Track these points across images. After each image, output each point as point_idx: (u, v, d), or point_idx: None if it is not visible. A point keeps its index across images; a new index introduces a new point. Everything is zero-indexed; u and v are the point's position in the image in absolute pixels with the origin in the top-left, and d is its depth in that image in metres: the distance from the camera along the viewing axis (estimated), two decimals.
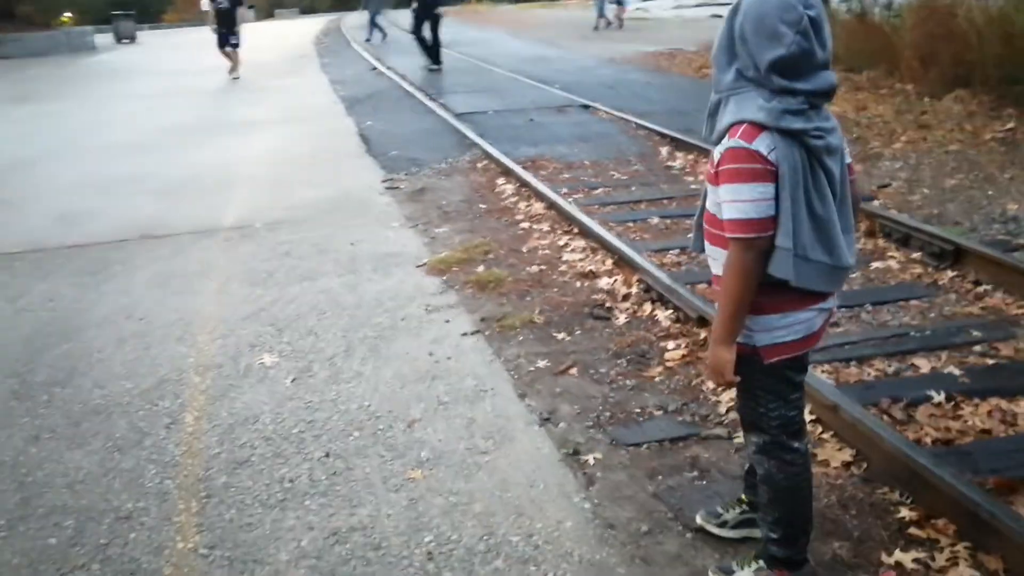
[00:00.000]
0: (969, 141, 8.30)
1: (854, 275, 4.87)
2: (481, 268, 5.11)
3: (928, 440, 3.12)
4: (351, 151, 8.85)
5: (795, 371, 2.26)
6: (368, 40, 24.59)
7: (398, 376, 3.83)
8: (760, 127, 2.00)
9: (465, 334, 4.25)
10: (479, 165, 7.68)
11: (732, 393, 3.47)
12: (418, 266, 5.24)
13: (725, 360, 2.16)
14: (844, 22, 13.98)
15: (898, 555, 2.48)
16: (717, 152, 2.09)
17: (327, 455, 3.24)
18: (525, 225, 5.95)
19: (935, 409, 3.35)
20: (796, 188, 2.01)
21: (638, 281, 4.65)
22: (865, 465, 2.94)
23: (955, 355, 3.82)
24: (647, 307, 4.39)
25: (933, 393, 3.42)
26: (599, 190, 6.97)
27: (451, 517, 2.82)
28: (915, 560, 2.46)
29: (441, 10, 15.71)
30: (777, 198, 2.01)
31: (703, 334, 3.98)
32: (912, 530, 2.59)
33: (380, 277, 5.07)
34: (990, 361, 3.75)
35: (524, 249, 5.48)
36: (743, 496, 2.64)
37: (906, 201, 6.44)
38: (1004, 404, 3.38)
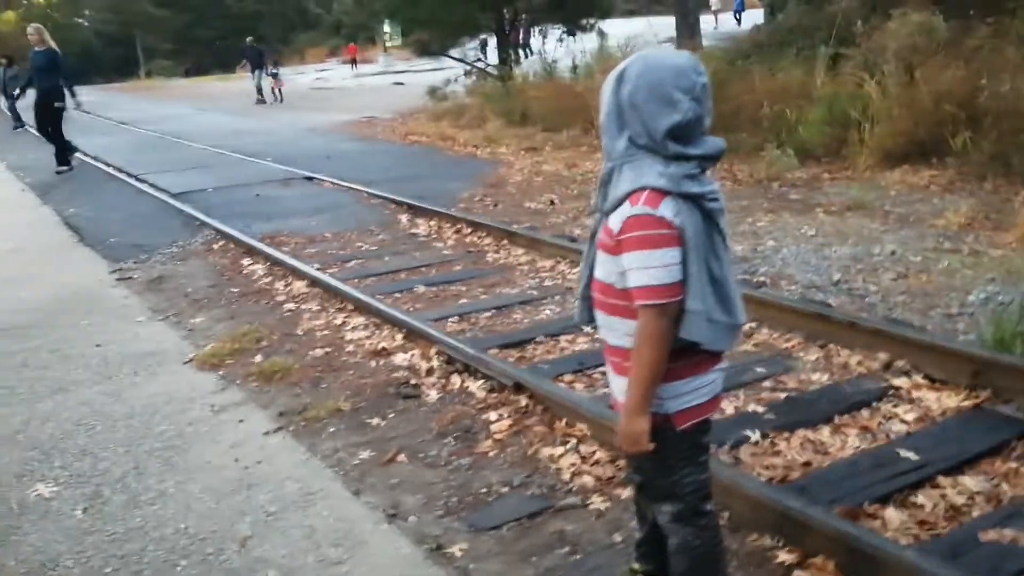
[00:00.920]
0: None
1: None
2: (259, 358, 4.72)
3: (763, 480, 3.27)
4: (62, 243, 7.91)
5: (703, 434, 2.26)
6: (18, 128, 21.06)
7: (208, 490, 3.40)
8: (662, 193, 2.00)
9: (268, 433, 3.88)
10: (215, 246, 7.18)
11: (571, 459, 3.47)
12: (185, 363, 4.75)
13: (641, 430, 2.11)
14: (537, 85, 14.92)
15: None
16: (617, 220, 2.05)
17: None
18: (291, 306, 5.61)
19: (755, 448, 3.53)
20: (699, 251, 2.03)
21: (437, 354, 4.52)
22: (728, 514, 3.01)
23: (751, 393, 4.05)
24: (455, 380, 4.27)
25: (749, 433, 3.59)
26: (352, 262, 6.76)
27: None
28: None
29: (65, 103, 12.48)
30: (684, 262, 2.01)
31: (523, 401, 3.93)
32: (796, 573, 2.67)
33: (145, 380, 4.52)
34: (782, 395, 4.02)
35: (299, 332, 5.15)
36: (638, 565, 2.58)
37: None
38: (811, 434, 3.63)
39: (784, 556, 2.74)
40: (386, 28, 34.06)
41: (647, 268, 2.00)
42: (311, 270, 6.02)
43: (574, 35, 17.57)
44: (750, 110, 10.72)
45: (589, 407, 3.69)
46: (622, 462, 3.37)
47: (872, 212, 7.51)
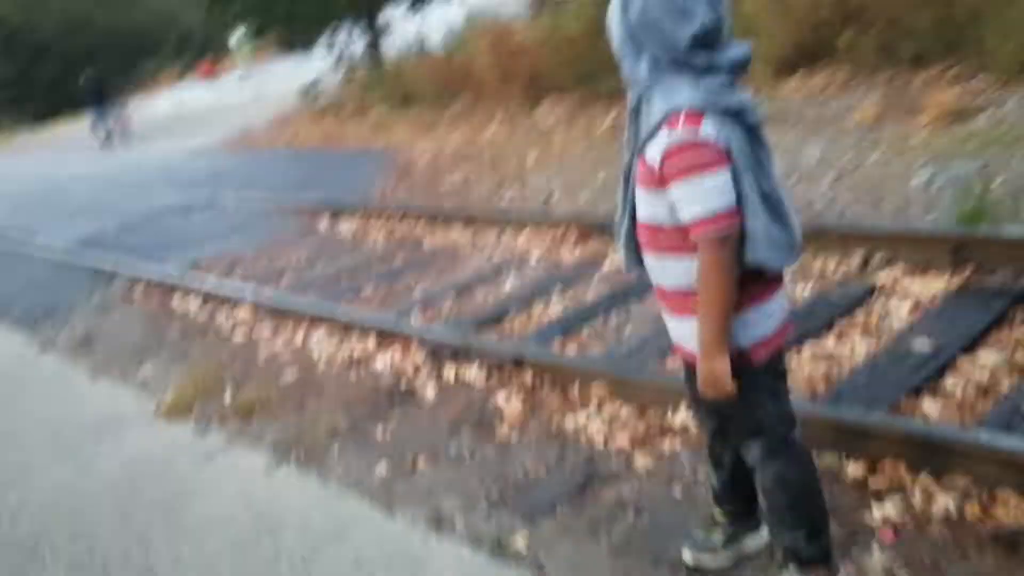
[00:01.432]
0: (589, 139, 9.02)
1: (601, 280, 5.01)
2: (229, 396, 4.44)
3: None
4: None
5: (779, 361, 2.18)
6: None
7: (228, 544, 3.14)
8: (700, 112, 1.88)
9: (270, 470, 3.63)
10: (136, 291, 6.75)
11: (597, 424, 3.36)
12: (149, 417, 4.41)
13: (722, 371, 2.01)
14: (413, 65, 14.63)
15: (880, 512, 2.50)
16: (656, 151, 1.92)
17: None
18: (241, 335, 5.30)
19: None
20: (748, 168, 1.93)
21: (419, 347, 4.34)
22: None
23: None
24: (448, 371, 4.10)
25: None
26: (287, 276, 6.46)
27: None
28: (897, 509, 2.49)
29: None
30: (735, 182, 1.90)
31: (527, 376, 3.79)
32: (871, 482, 2.63)
33: (112, 445, 4.19)
34: None
35: (261, 360, 4.87)
36: (718, 512, 2.50)
37: (581, 205, 6.79)
38: (818, 346, 3.63)
39: (853, 469, 2.70)
40: (235, 38, 32.95)
41: (699, 195, 1.89)
42: (250, 294, 5.71)
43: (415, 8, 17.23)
44: None
45: (601, 367, 3.59)
46: (653, 416, 3.29)
47: (784, 123, 7.58)
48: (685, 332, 2.10)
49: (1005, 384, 3.03)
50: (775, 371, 2.16)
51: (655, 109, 1.93)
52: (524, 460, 3.27)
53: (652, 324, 4.16)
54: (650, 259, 2.10)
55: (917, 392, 3.08)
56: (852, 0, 8.95)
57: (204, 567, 3.06)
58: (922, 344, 3.37)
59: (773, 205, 1.99)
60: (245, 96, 25.35)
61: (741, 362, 2.04)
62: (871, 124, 6.91)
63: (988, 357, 3.20)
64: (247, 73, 31.07)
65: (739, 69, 1.95)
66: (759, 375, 2.10)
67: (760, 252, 1.94)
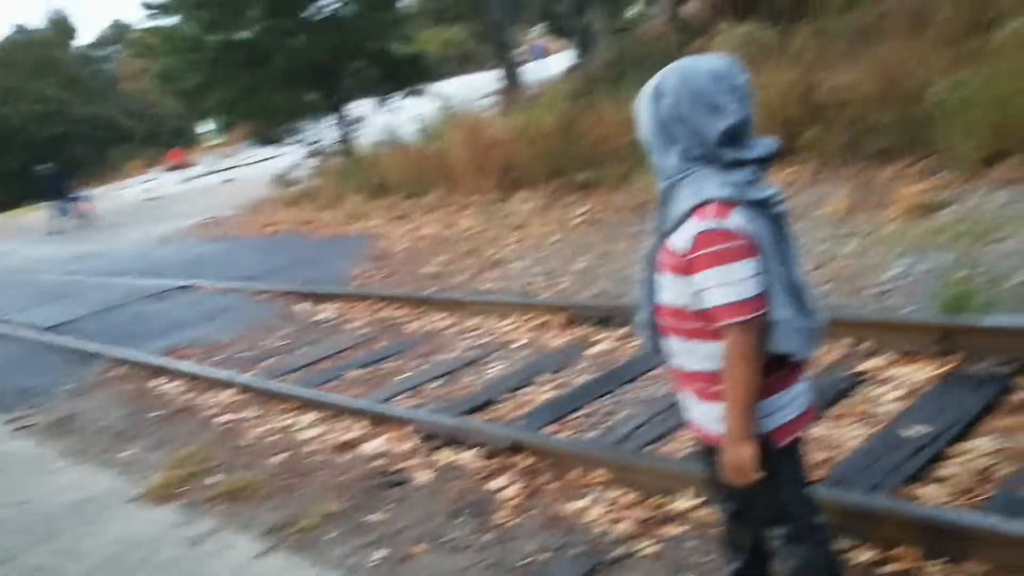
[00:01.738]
0: (563, 230, 9.16)
1: (589, 364, 5.03)
2: (216, 478, 4.36)
3: None
4: None
5: (800, 446, 2.21)
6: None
7: None
8: (729, 203, 1.95)
9: (261, 554, 3.56)
10: (113, 374, 6.65)
11: (600, 509, 3.34)
12: (133, 500, 4.32)
13: (748, 456, 2.03)
14: (387, 154, 14.85)
15: None
16: (684, 239, 1.98)
17: None
18: (225, 419, 5.23)
19: None
20: (774, 258, 1.99)
21: (412, 433, 4.30)
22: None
23: None
24: (442, 455, 4.06)
25: None
26: (268, 361, 6.41)
27: None
28: None
29: None
30: (762, 272, 1.96)
31: (526, 460, 3.77)
32: (887, 569, 2.63)
33: (96, 528, 4.08)
34: None
35: (245, 443, 4.80)
36: None
37: (561, 291, 6.85)
38: (813, 432, 3.65)
39: (865, 554, 2.70)
40: (204, 128, 33.23)
41: (727, 284, 1.93)
42: (236, 376, 5.66)
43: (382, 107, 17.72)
44: (608, 143, 11.00)
45: (602, 452, 3.58)
46: (656, 500, 3.28)
47: None
48: (708, 415, 2.12)
49: (1004, 470, 3.07)
50: (797, 456, 2.18)
51: (683, 198, 2.00)
52: (526, 546, 3.23)
53: (643, 408, 4.19)
54: (674, 342, 2.14)
55: (914, 478, 3.11)
56: (818, 98, 9.31)
57: None
58: (916, 431, 3.42)
59: (798, 294, 2.05)
60: (210, 185, 25.48)
61: (765, 446, 2.06)
62: (843, 216, 7.11)
63: (985, 443, 3.24)
64: (212, 165, 31.31)
65: (765, 164, 2.03)
66: (782, 459, 2.12)
67: (786, 341, 1.99)
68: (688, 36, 14.13)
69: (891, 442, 3.39)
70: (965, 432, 3.36)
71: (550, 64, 28.67)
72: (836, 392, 3.94)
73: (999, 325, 3.87)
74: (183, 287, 9.86)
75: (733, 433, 2.02)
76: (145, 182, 34.92)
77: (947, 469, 3.15)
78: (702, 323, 2.02)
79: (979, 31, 8.41)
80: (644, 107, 2.06)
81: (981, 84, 7.51)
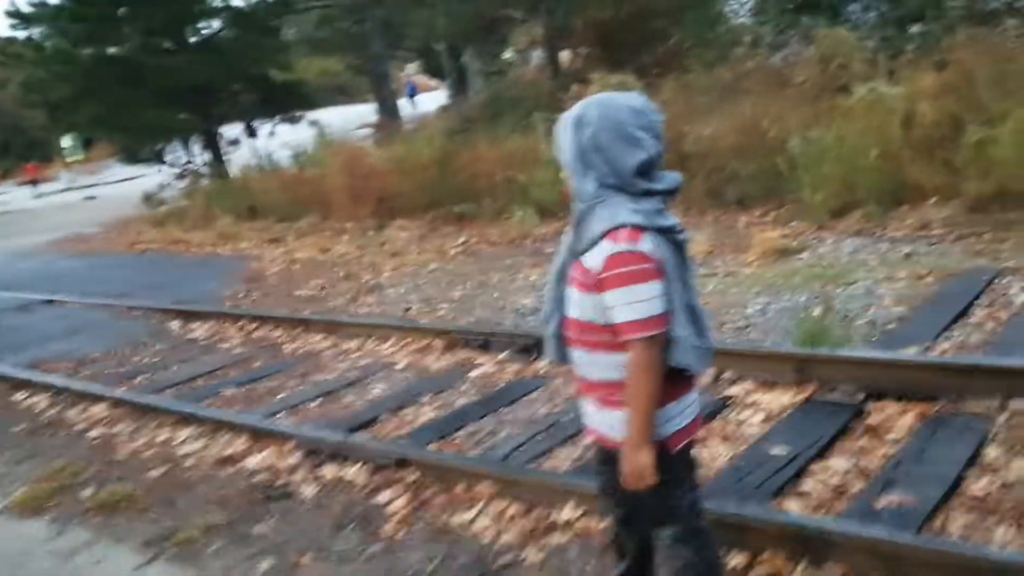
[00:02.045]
0: (441, 259, 9.30)
1: (469, 386, 5.15)
2: (89, 491, 4.24)
3: None
4: None
5: (690, 452, 2.40)
6: None
7: None
8: (640, 229, 2.13)
9: (139, 567, 3.50)
10: None
11: (485, 521, 3.45)
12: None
13: (647, 463, 2.19)
14: (261, 179, 14.69)
15: None
16: (596, 259, 2.14)
17: None
18: (98, 432, 5.07)
19: None
20: (676, 281, 2.18)
21: (294, 449, 4.31)
22: None
23: None
24: (327, 470, 4.09)
25: None
26: (140, 378, 6.25)
27: None
28: None
29: None
30: (665, 294, 2.15)
31: (410, 476, 3.86)
32: (754, 573, 2.85)
33: None
34: None
35: (119, 457, 4.67)
36: None
37: (440, 317, 6.97)
38: None
39: (737, 559, 2.92)
40: (66, 142, 31.67)
41: (634, 302, 2.10)
42: (110, 391, 5.49)
43: (253, 134, 17.58)
44: (485, 178, 11.28)
45: (487, 467, 3.70)
46: (538, 513, 3.42)
47: None
48: (609, 422, 2.28)
49: (856, 487, 3.36)
50: (688, 461, 2.37)
51: (598, 222, 2.15)
52: (412, 557, 3.30)
53: (524, 428, 4.34)
54: (579, 353, 2.29)
55: (780, 492, 3.37)
56: (684, 147, 9.84)
57: None
58: (778, 451, 3.70)
59: (695, 316, 2.25)
60: (70, 202, 24.36)
61: (660, 452, 2.23)
62: (705, 257, 7.53)
63: (839, 463, 3.55)
64: (71, 181, 29.98)
65: (671, 195, 2.24)
66: (674, 464, 2.29)
67: (684, 357, 2.18)
68: (562, 83, 14.64)
69: (757, 460, 3.66)
70: (822, 452, 3.66)
71: (422, 101, 28.96)
72: (705, 415, 4.20)
73: (850, 356, 4.24)
74: (47, 301, 9.44)
75: (634, 439, 2.18)
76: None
77: (807, 485, 3.43)
78: (608, 336, 2.18)
79: (832, 93, 9.12)
80: (565, 134, 2.21)
81: (832, 142, 8.17)
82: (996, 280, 5.41)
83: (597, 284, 2.15)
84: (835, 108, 8.70)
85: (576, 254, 2.22)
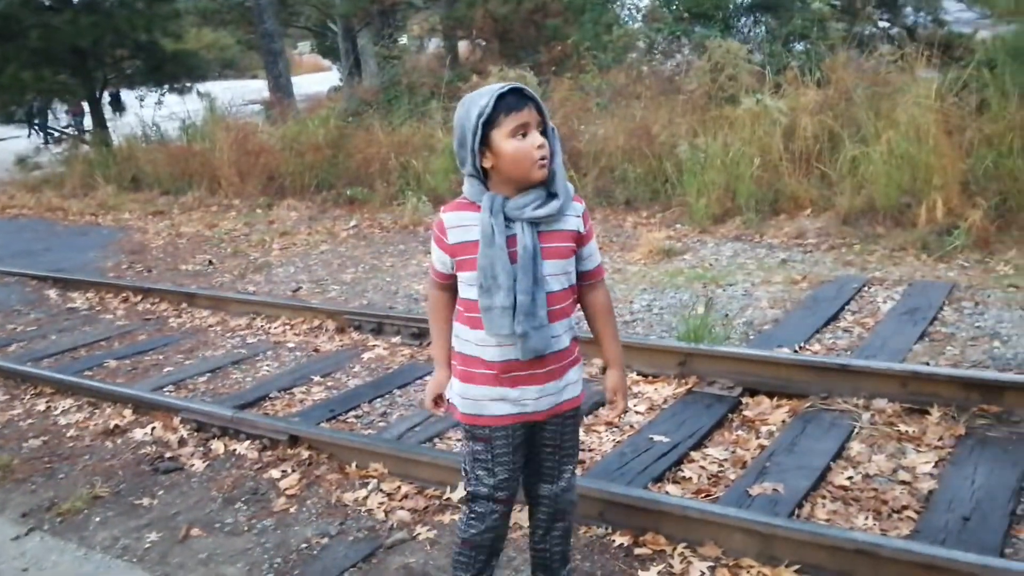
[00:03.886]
0: (332, 240, 9.24)
1: (361, 368, 5.18)
2: None
3: None
4: None
5: None
6: None
7: None
8: None
9: (18, 537, 3.40)
10: None
11: (378, 499, 3.52)
12: None
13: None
14: (147, 149, 14.19)
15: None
16: (577, 219, 2.26)
17: None
18: None
19: None
20: None
21: (183, 423, 4.26)
22: None
23: None
24: (217, 445, 4.07)
25: None
26: (13, 346, 6.02)
27: None
28: (659, 574, 2.87)
29: None
30: None
31: (304, 453, 3.88)
32: (636, 551, 3.01)
33: None
34: None
35: None
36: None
37: (331, 299, 6.95)
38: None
39: (619, 539, 3.08)
40: None
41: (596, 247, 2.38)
42: None
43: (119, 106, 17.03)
44: (378, 163, 11.23)
45: (381, 445, 3.76)
46: (432, 491, 3.51)
47: None
48: (575, 379, 2.38)
49: (732, 475, 3.58)
50: None
51: (563, 191, 2.21)
52: (305, 531, 3.34)
53: (416, 411, 4.41)
54: (559, 325, 2.28)
55: (659, 479, 3.56)
56: (573, 147, 10.04)
57: None
58: (660, 438, 3.90)
59: None
60: None
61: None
62: None
63: (716, 452, 3.76)
64: None
65: None
66: None
67: None
68: (460, 73, 14.71)
69: (640, 447, 3.84)
70: (701, 442, 3.87)
71: (310, 81, 28.40)
72: (590, 405, 4.37)
73: (728, 352, 4.49)
74: None
75: (622, 362, 2.46)
76: None
77: (687, 472, 3.63)
78: (571, 297, 2.32)
79: (720, 103, 9.51)
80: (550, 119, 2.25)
81: (717, 150, 8.52)
82: (865, 288, 5.80)
83: (579, 241, 2.28)
84: (723, 117, 9.07)
85: (552, 223, 2.22)
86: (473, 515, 2.40)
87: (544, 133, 2.17)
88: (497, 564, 2.52)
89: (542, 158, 2.14)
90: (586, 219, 2.30)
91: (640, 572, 2.89)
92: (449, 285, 2.36)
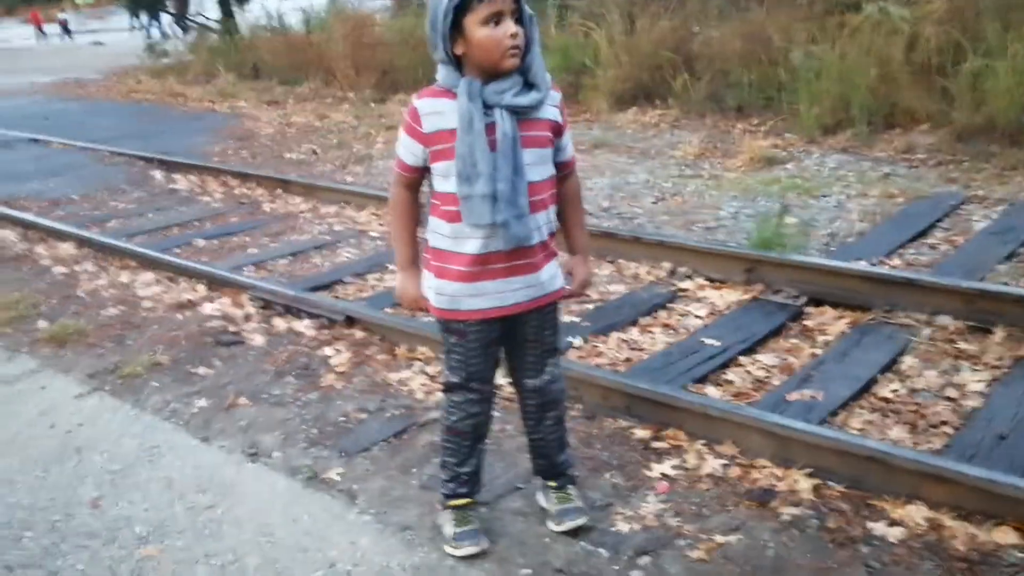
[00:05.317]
0: None
1: None
2: (43, 323, 4.36)
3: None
4: None
5: None
6: None
7: (29, 461, 3.15)
8: None
9: (80, 395, 3.64)
10: None
11: (421, 380, 3.59)
12: None
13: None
14: (269, 39, 14.45)
15: (659, 468, 2.85)
16: (554, 107, 2.22)
17: (9, 568, 2.58)
18: (61, 269, 5.18)
19: (580, 351, 3.83)
20: None
21: (251, 299, 4.42)
22: (580, 406, 3.27)
23: (562, 307, 4.34)
24: (278, 322, 4.21)
25: (571, 339, 3.90)
26: (113, 222, 6.34)
27: None
28: (673, 467, 2.85)
29: None
30: None
31: (358, 334, 3.98)
32: (655, 444, 2.99)
33: None
34: (590, 306, 4.34)
35: (81, 293, 4.79)
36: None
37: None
38: (623, 335, 4.00)
39: (640, 432, 3.05)
40: None
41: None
42: (77, 230, 5.58)
43: None
44: None
45: (428, 330, 3.81)
46: None
47: (617, 149, 8.12)
48: (550, 272, 2.32)
49: (776, 381, 3.48)
50: None
51: (541, 79, 2.14)
52: (346, 406, 3.44)
53: None
54: (540, 216, 2.24)
55: (702, 380, 3.49)
56: (689, 50, 9.69)
57: (3, 482, 3.03)
58: (712, 342, 3.81)
59: None
60: (75, 46, 24.01)
61: None
62: (694, 159, 7.52)
63: (766, 358, 3.66)
64: (79, 24, 29.48)
65: None
66: None
67: None
68: None
69: (690, 349, 3.76)
70: (752, 348, 3.76)
71: None
72: (652, 305, 4.29)
73: (796, 261, 4.31)
74: (32, 140, 9.45)
75: (588, 248, 2.46)
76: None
77: (731, 375, 3.55)
78: (552, 188, 2.27)
79: (843, 9, 8.92)
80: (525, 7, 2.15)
81: (833, 59, 8.04)
82: (962, 206, 5.44)
83: (556, 131, 2.24)
84: (843, 25, 8.52)
85: (531, 113, 2.17)
86: (451, 404, 2.44)
87: (520, 21, 2.08)
88: (484, 448, 2.55)
89: (514, 47, 2.06)
90: (562, 109, 2.24)
91: (654, 463, 2.87)
92: (414, 182, 2.30)
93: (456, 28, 2.06)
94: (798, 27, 8.95)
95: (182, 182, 7.45)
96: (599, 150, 8.11)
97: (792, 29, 8.94)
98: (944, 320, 3.70)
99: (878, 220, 5.32)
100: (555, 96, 2.21)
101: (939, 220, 5.18)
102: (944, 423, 2.99)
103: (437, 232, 2.26)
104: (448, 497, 2.55)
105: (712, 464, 2.83)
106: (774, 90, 8.77)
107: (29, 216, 5.93)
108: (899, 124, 7.62)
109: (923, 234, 4.98)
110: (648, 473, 2.84)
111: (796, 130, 8.05)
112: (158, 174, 7.77)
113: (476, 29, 2.05)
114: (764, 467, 2.78)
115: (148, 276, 4.93)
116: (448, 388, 2.45)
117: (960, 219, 5.22)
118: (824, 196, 5.98)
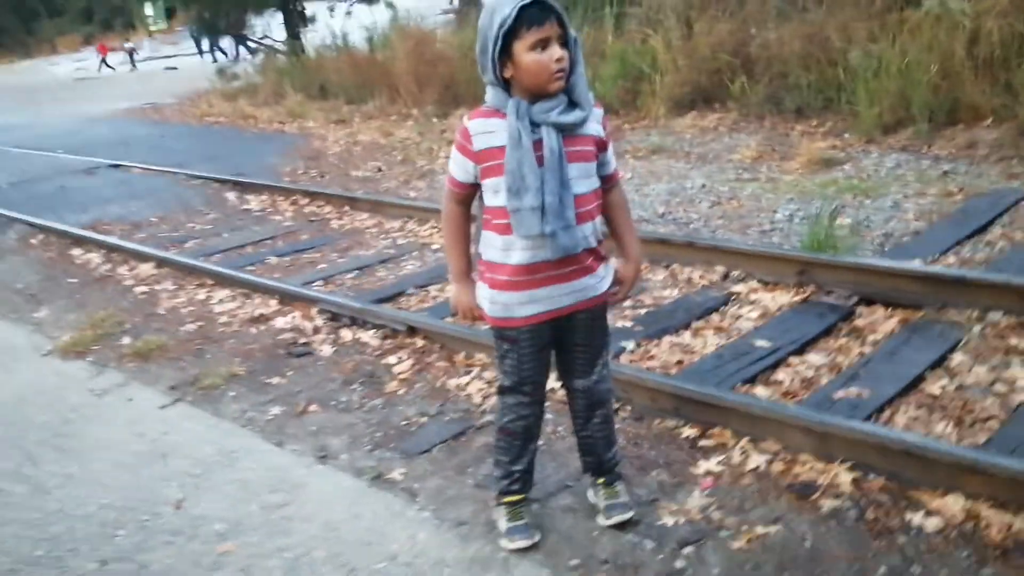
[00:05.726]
0: None
1: None
2: (127, 339, 4.66)
3: None
4: None
5: None
6: None
7: (119, 465, 3.39)
8: None
9: (164, 406, 3.89)
10: (33, 240, 6.83)
11: (478, 385, 3.76)
12: (44, 354, 4.59)
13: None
14: (333, 58, 14.87)
15: (704, 465, 2.96)
16: (598, 125, 2.35)
17: (104, 562, 2.82)
18: (143, 289, 5.51)
19: (632, 355, 3.95)
20: None
21: (320, 312, 4.66)
22: (629, 407, 3.40)
23: (616, 312, 4.43)
24: (345, 333, 4.43)
25: (624, 343, 4.02)
26: (191, 242, 6.67)
27: (300, 573, 2.68)
28: (718, 463, 2.96)
29: None
30: None
31: (419, 342, 4.17)
32: (701, 443, 3.11)
33: (4, 377, 4.35)
34: (642, 311, 4.46)
35: (161, 311, 5.09)
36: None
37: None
38: (675, 339, 4.11)
39: (688, 431, 3.17)
40: (148, 11, 32.27)
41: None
42: (158, 251, 5.92)
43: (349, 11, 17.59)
44: None
45: (486, 338, 3.96)
46: None
47: (675, 153, 8.21)
48: (599, 278, 2.46)
49: (824, 380, 3.55)
50: None
51: (584, 96, 2.28)
52: (408, 411, 3.63)
53: None
54: (588, 226, 2.38)
55: (752, 380, 3.58)
56: (747, 53, 9.71)
57: (93, 483, 3.28)
58: (763, 344, 3.89)
59: None
60: (150, 71, 24.92)
61: None
62: (751, 163, 7.56)
63: (815, 358, 3.73)
64: (153, 51, 30.50)
65: None
66: None
67: None
68: None
69: (740, 351, 3.86)
70: (803, 348, 3.84)
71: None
72: (705, 309, 4.39)
73: (847, 262, 4.36)
74: (114, 166, 9.94)
75: (640, 255, 2.59)
76: (79, 61, 33.80)
77: (781, 375, 3.63)
78: (597, 200, 2.41)
79: (899, 7, 8.84)
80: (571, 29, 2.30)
81: (892, 57, 7.98)
82: (1022, 202, 5.39)
83: (599, 145, 2.38)
84: (903, 22, 8.45)
85: (572, 132, 2.30)
86: (504, 406, 2.61)
87: (566, 44, 2.22)
88: (535, 448, 2.70)
89: (559, 71, 2.20)
90: (605, 125, 2.37)
91: (701, 460, 2.99)
92: (466, 197, 2.44)
93: (505, 53, 2.21)
94: (857, 26, 8.89)
95: (254, 202, 7.78)
96: (657, 156, 8.21)
97: (851, 28, 8.89)
98: (996, 316, 3.73)
99: (935, 219, 5.32)
100: (598, 113, 2.35)
101: (998, 217, 5.15)
102: (990, 418, 3.04)
103: (489, 245, 2.42)
104: (502, 494, 2.71)
105: (755, 460, 2.94)
106: (833, 91, 8.74)
107: (112, 239, 6.29)
108: (961, 120, 7.54)
109: (981, 231, 4.96)
110: (694, 470, 2.95)
111: (855, 130, 8.03)
112: (232, 195, 8.13)
113: (524, 54, 2.19)
114: (806, 462, 2.87)
115: (224, 293, 5.21)
116: (501, 391, 2.61)
117: (1020, 215, 5.19)
118: (881, 196, 5.98)
